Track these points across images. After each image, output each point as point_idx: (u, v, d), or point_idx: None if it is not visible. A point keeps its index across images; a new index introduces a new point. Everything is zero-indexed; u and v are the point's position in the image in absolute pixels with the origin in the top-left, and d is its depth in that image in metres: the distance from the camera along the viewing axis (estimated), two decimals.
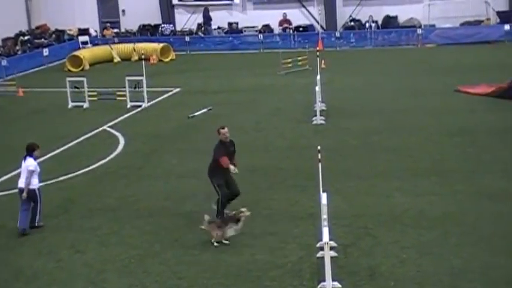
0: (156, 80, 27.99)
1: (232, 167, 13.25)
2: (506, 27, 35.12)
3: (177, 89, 27.77)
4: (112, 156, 18.76)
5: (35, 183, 13.90)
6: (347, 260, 11.55)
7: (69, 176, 17.24)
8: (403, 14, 37.72)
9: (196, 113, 22.93)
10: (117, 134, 21.14)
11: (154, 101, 25.54)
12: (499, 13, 36.52)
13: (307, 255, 11.81)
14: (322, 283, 10.40)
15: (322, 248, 11.03)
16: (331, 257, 10.65)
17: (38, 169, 14.03)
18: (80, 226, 14.01)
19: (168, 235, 13.21)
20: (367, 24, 37.74)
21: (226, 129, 13.37)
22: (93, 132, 21.41)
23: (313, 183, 13.16)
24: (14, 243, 13.31)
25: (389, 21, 37.85)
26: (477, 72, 27.18)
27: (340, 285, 10.46)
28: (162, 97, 26.40)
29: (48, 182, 16.43)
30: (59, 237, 13.51)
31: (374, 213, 13.50)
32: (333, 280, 10.37)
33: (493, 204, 13.62)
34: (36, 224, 13.89)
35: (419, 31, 36.13)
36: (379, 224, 13.01)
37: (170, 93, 27.23)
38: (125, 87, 24.79)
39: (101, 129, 21.82)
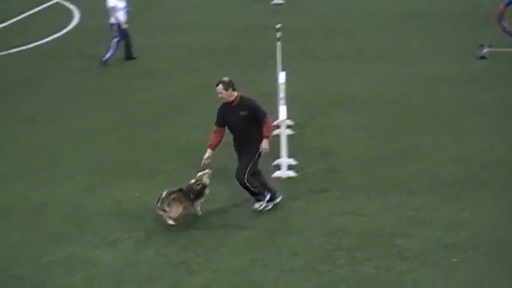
0: None
1: (263, 145, 9.18)
2: None
3: None
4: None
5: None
6: (302, 138, 11.73)
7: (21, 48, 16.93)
8: None
9: None
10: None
11: None
12: None
13: None
14: (278, 160, 10.60)
15: (278, 126, 11.17)
16: (287, 135, 10.83)
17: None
18: (33, 100, 13.91)
19: (123, 112, 13.18)
20: None
21: (218, 87, 9.17)
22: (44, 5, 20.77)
23: (271, 63, 13.14)
24: None
25: None
26: None
27: (295, 162, 10.68)
28: None
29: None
30: (11, 110, 13.43)
31: (330, 94, 13.64)
32: (289, 157, 10.58)
33: (446, 88, 13.87)
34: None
35: None
36: (335, 105, 13.18)
37: None
38: None
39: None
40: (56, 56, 16.79)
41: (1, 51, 16.70)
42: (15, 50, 16.94)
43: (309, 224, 9.12)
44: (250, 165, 9.21)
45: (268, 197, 9.47)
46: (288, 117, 10.90)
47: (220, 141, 9.36)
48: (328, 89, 13.91)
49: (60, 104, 13.78)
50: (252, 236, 8.88)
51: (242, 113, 9.13)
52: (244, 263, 8.23)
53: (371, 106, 13.03)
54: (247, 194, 9.49)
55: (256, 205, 9.43)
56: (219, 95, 9.16)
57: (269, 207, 9.44)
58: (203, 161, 9.30)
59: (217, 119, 9.33)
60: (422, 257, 8.29)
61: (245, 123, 9.15)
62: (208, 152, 9.28)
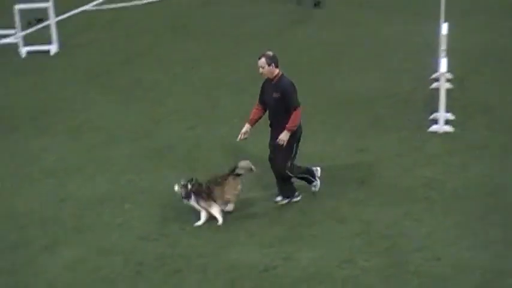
0: None
1: (281, 136, 8.23)
2: None
3: None
4: None
5: None
6: (462, 93, 11.31)
7: None
8: None
9: None
10: None
11: None
12: None
13: (421, 86, 11.64)
14: (435, 113, 10.31)
15: (437, 79, 10.83)
16: (446, 89, 10.47)
17: None
18: (196, 45, 14.33)
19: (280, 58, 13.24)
20: None
21: (261, 60, 8.26)
22: None
23: (434, 13, 12.69)
24: (134, 59, 13.78)
25: None
26: None
27: (452, 117, 10.34)
28: None
29: None
30: (172, 53, 13.92)
31: (494, 48, 13.03)
32: (446, 111, 10.26)
33: None
34: None
35: None
36: (498, 59, 12.58)
37: None
38: None
39: None
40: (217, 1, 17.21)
41: None
42: None
43: (464, 182, 8.83)
44: (291, 159, 8.43)
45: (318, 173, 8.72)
46: (448, 71, 10.53)
47: (260, 117, 8.51)
48: (492, 43, 13.28)
49: (220, 49, 14.10)
50: (404, 189, 8.74)
51: (275, 94, 8.22)
52: (397, 215, 8.13)
53: None
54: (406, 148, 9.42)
55: (313, 188, 8.70)
56: (260, 70, 8.24)
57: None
58: (240, 136, 8.54)
59: (259, 94, 8.52)
60: None
61: (277, 106, 8.26)
62: (246, 127, 8.50)
